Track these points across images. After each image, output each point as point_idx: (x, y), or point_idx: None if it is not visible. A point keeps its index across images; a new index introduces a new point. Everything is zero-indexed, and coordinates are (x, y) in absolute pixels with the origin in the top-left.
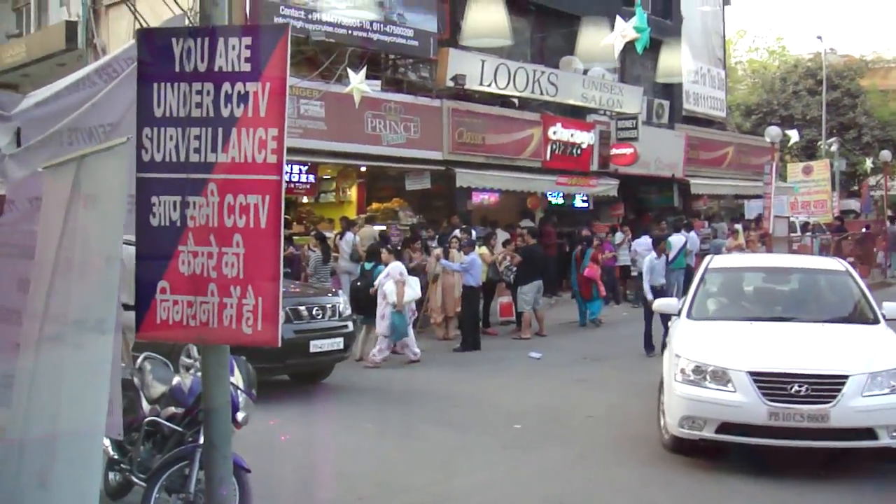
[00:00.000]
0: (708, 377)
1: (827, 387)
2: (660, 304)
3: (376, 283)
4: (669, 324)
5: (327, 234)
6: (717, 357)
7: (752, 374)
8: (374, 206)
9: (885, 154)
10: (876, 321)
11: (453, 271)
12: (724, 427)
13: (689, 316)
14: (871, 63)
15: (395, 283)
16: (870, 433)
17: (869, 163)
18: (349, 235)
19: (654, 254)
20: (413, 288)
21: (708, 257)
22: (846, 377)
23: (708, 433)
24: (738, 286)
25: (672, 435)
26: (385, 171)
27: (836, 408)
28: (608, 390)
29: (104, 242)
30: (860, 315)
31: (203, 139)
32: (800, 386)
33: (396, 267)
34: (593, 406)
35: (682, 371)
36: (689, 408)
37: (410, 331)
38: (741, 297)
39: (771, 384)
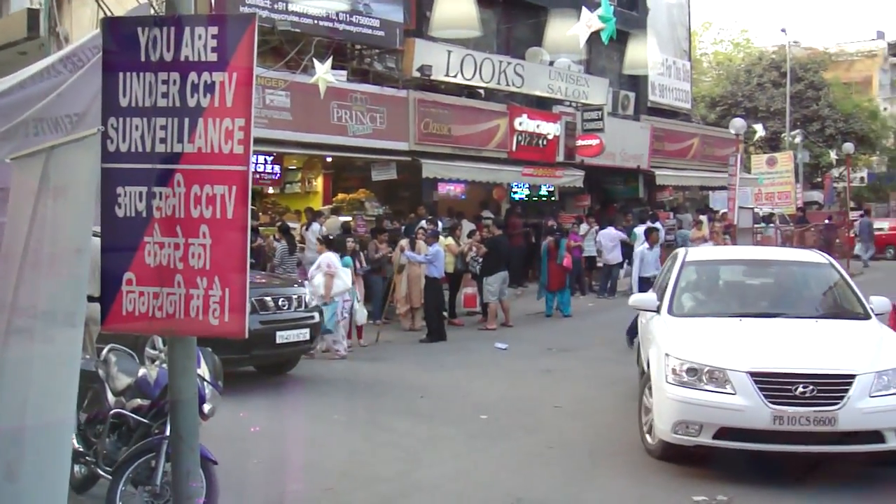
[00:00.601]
0: (704, 378)
1: (834, 387)
2: (637, 300)
3: (309, 274)
4: (642, 319)
5: (293, 225)
6: (712, 356)
7: (752, 374)
8: (340, 196)
9: (848, 146)
10: (867, 316)
11: (418, 262)
12: (723, 432)
13: (670, 312)
14: (834, 56)
15: (323, 276)
16: (877, 436)
17: (832, 155)
18: (315, 226)
19: (646, 244)
20: (343, 280)
21: (681, 250)
22: (853, 376)
23: (704, 439)
24: (717, 280)
25: (661, 441)
26: (351, 162)
27: (844, 410)
28: (575, 381)
29: (74, 234)
30: (850, 310)
31: (169, 129)
32: (805, 387)
33: (326, 258)
34: (560, 397)
35: (674, 371)
36: (683, 412)
37: (340, 327)
38: (723, 291)
39: (774, 385)
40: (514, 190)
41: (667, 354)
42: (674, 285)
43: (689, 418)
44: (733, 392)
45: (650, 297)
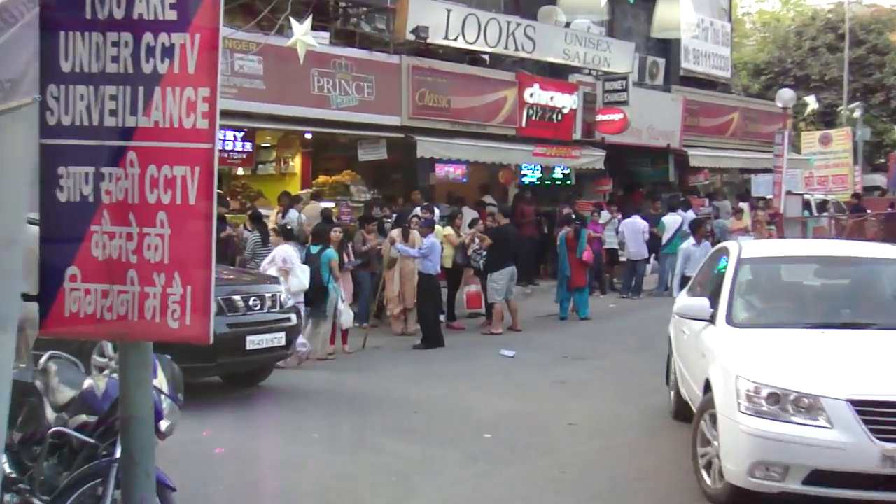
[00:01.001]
0: (789, 407)
1: None
2: (685, 307)
3: (261, 268)
4: (683, 330)
5: (266, 213)
6: (799, 379)
7: (854, 402)
8: (322, 179)
9: None
10: None
11: (411, 257)
12: (817, 476)
13: (730, 322)
14: None
15: (277, 271)
16: None
17: None
18: (292, 213)
19: (692, 240)
20: (300, 277)
21: (732, 245)
22: None
23: (793, 484)
24: (781, 282)
25: (730, 485)
26: (334, 139)
27: None
28: (593, 395)
29: (5, 223)
30: None
31: (121, 100)
32: None
33: (281, 252)
34: (576, 413)
35: (749, 398)
36: (763, 450)
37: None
38: (791, 296)
39: (882, 417)
40: (523, 173)
41: (738, 376)
42: (730, 288)
43: (772, 458)
44: (829, 425)
45: (700, 302)
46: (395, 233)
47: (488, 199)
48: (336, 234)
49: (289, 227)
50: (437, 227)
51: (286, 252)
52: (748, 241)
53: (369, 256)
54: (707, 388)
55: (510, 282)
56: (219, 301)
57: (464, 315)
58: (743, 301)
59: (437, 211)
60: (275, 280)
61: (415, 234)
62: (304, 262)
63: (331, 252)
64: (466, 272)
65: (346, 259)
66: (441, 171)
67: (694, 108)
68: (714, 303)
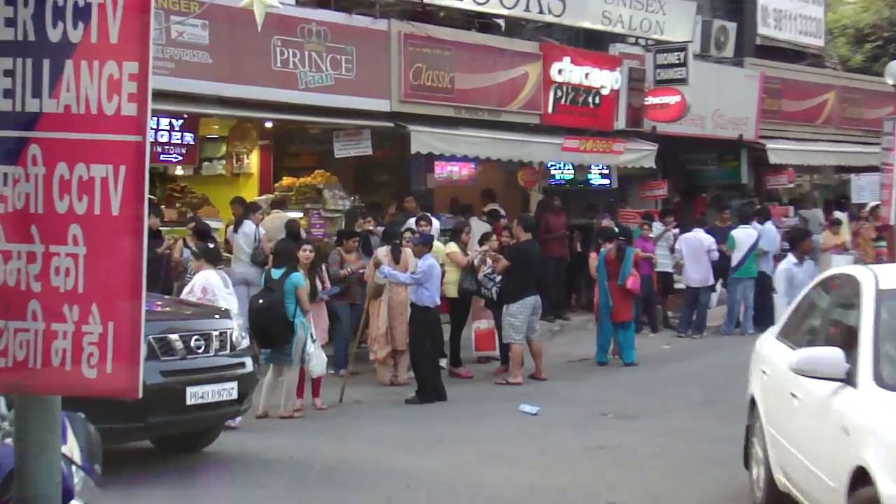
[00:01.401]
0: None
1: None
2: (807, 360)
3: (186, 293)
4: (795, 390)
5: (215, 225)
6: None
7: None
8: (286, 181)
9: None
10: None
11: (402, 284)
12: None
13: (881, 383)
14: None
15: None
16: None
17: None
18: (248, 227)
19: (791, 258)
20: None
21: (861, 272)
22: None
23: None
24: None
25: None
26: (303, 130)
27: None
28: (640, 466)
29: None
30: None
31: (19, 77)
32: None
33: (201, 280)
34: (619, 490)
35: None
36: None
37: None
38: None
39: None
40: (550, 173)
41: None
42: (873, 334)
43: None
44: None
45: (830, 355)
46: (383, 252)
47: (494, 206)
48: (305, 253)
49: (212, 247)
50: (438, 244)
51: (207, 280)
52: (844, 260)
53: (349, 283)
54: (858, 480)
55: (532, 316)
56: (150, 341)
57: (472, 359)
58: (890, 350)
59: (436, 223)
60: (225, 313)
61: (408, 253)
62: (263, 291)
63: (298, 277)
64: (475, 303)
65: (318, 286)
66: (442, 170)
67: (775, 87)
68: (849, 355)
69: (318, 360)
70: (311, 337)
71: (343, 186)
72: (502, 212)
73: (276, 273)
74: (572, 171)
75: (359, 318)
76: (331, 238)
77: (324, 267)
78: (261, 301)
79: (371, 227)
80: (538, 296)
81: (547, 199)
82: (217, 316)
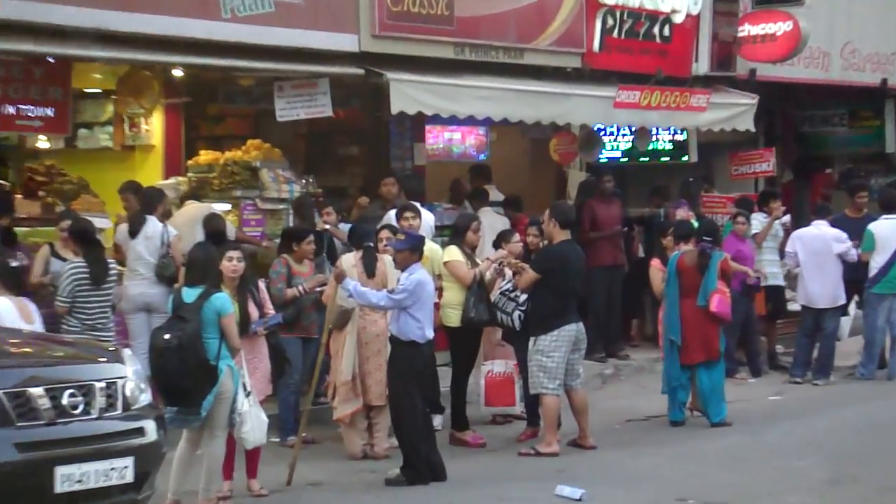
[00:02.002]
0: None
1: None
2: None
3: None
4: None
5: (99, 224)
6: None
7: None
8: (205, 157)
9: None
10: None
11: (377, 308)
12: None
13: None
14: None
15: None
16: None
17: None
18: (152, 226)
19: None
20: None
21: None
22: None
23: None
24: None
25: None
26: (229, 82)
27: None
28: None
29: None
30: None
31: None
32: None
33: None
34: None
35: None
36: None
37: None
38: None
39: None
40: (598, 140)
41: None
42: None
43: None
44: None
45: None
46: (349, 261)
47: (491, 188)
48: (232, 263)
49: (13, 265)
50: (432, 247)
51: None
52: None
53: (300, 307)
54: None
55: (573, 353)
56: (1, 399)
57: (483, 419)
58: None
59: (428, 218)
60: (115, 355)
61: (386, 262)
62: (171, 320)
63: (222, 300)
64: (488, 336)
65: (253, 313)
66: (437, 139)
67: None
68: None
69: (254, 424)
70: (244, 388)
71: (291, 164)
72: (498, 195)
73: (190, 294)
74: (630, 139)
75: (315, 360)
76: (272, 241)
77: (261, 284)
78: (167, 336)
79: (330, 224)
80: (580, 323)
81: (593, 181)
82: (103, 359)
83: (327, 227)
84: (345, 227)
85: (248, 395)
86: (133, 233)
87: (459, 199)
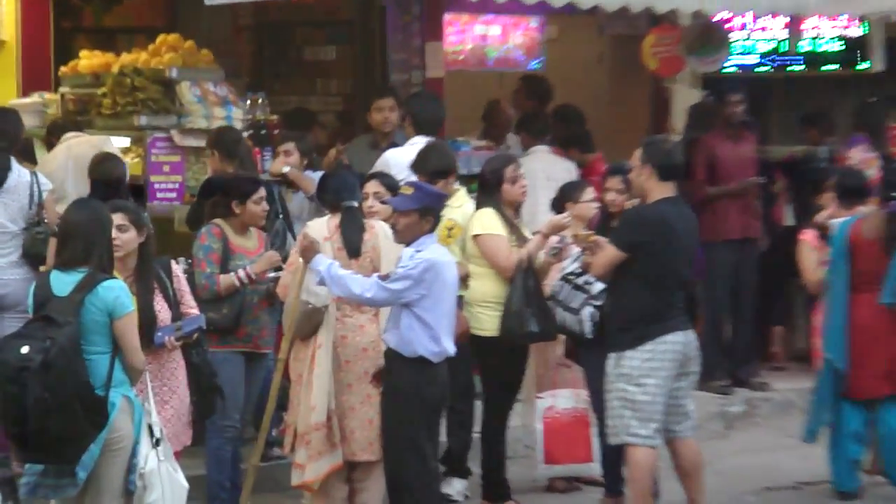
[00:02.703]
0: None
1: None
2: None
3: None
4: None
5: None
6: None
7: None
8: (87, 60)
9: None
10: None
11: (361, 303)
12: None
13: None
14: None
15: None
16: None
17: None
18: (15, 174)
19: None
20: None
21: None
22: None
23: None
24: None
25: None
26: None
27: None
28: None
29: None
30: None
31: None
32: None
33: None
34: None
35: None
36: None
37: None
38: None
39: None
40: (715, 37)
41: None
42: None
43: None
44: None
45: None
46: (319, 229)
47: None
48: (129, 234)
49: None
50: (466, 206)
51: None
52: None
53: (240, 304)
54: None
55: (679, 380)
56: None
57: (535, 485)
58: None
59: (449, 162)
60: None
61: (377, 232)
62: (33, 322)
63: (116, 290)
64: (544, 351)
65: (160, 315)
66: (462, 34)
67: None
68: None
69: (165, 491)
70: (150, 433)
71: (228, 75)
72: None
73: (64, 282)
74: (772, 37)
75: (266, 388)
76: (191, 196)
77: (177, 268)
78: (25, 350)
79: (290, 169)
80: (690, 332)
81: (712, 105)
82: None
83: (286, 170)
84: (311, 177)
85: (156, 443)
86: None
87: (499, 133)
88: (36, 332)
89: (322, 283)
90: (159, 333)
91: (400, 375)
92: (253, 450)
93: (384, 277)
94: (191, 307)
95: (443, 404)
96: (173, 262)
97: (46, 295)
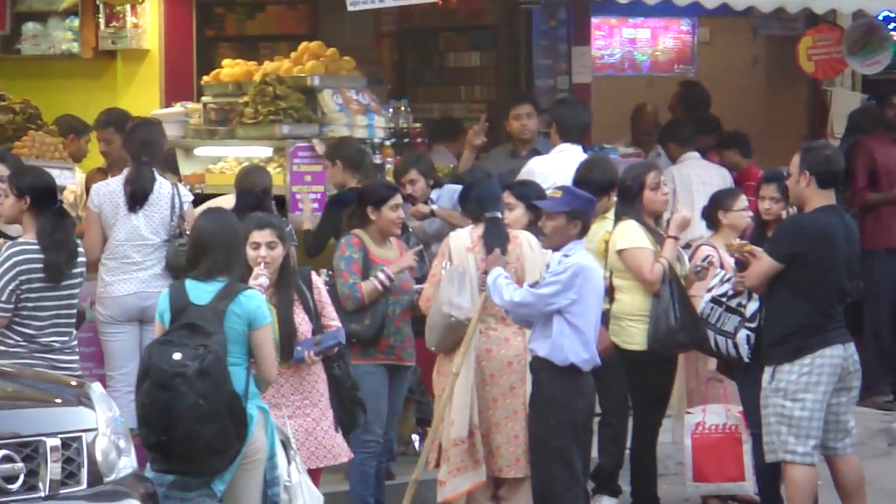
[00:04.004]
0: None
1: None
2: None
3: None
4: None
5: (61, 178)
6: None
7: None
8: (229, 70)
9: None
10: None
11: (512, 312)
12: None
13: None
14: None
15: None
16: None
17: None
18: (158, 185)
19: None
20: None
21: None
22: None
23: None
24: None
25: None
26: None
27: None
28: None
29: None
30: None
31: None
32: None
33: None
34: None
35: None
36: None
37: None
38: None
39: None
40: (877, 36)
41: None
42: None
43: None
44: None
45: None
46: (461, 240)
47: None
48: (261, 252)
49: None
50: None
51: None
52: None
53: (382, 315)
54: None
55: (838, 396)
56: None
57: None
58: None
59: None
60: (79, 395)
61: (522, 242)
62: (183, 327)
63: (257, 300)
64: (694, 364)
65: (300, 328)
66: (611, 37)
67: None
68: None
69: (307, 501)
70: (284, 447)
71: (370, 82)
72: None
73: (204, 290)
74: None
75: (410, 400)
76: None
77: (317, 280)
78: (178, 357)
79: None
80: (851, 344)
81: (874, 109)
82: (58, 400)
83: (434, 208)
84: (446, 194)
85: (291, 456)
86: (133, 197)
87: (647, 139)
88: (184, 340)
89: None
90: (298, 348)
91: (550, 385)
92: (416, 465)
93: (533, 285)
94: (332, 320)
95: (591, 416)
96: (314, 274)
97: (184, 303)
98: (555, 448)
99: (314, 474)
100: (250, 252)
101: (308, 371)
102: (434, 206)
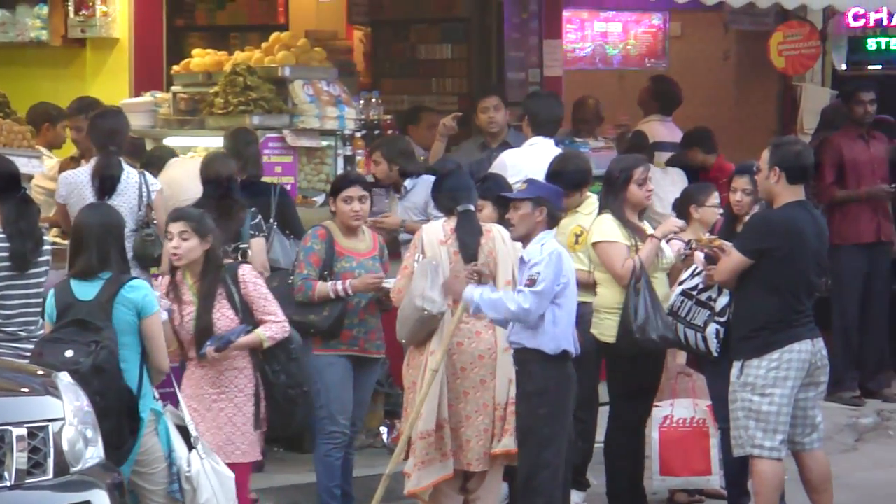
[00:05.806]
0: None
1: None
2: None
3: None
4: None
5: (28, 167)
6: None
7: None
8: (199, 59)
9: None
10: None
11: (517, 320)
12: None
13: None
14: None
15: None
16: None
17: None
18: (126, 174)
19: None
20: None
21: None
22: None
23: None
24: None
25: None
26: None
27: None
28: None
29: None
30: None
31: None
32: None
33: None
34: None
35: None
36: None
37: None
38: None
39: None
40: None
41: None
42: None
43: None
44: None
45: None
46: (434, 233)
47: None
48: (186, 243)
49: None
50: (584, 217)
51: None
52: None
53: (342, 308)
54: None
55: (806, 391)
56: None
57: (656, 498)
58: None
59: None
60: (47, 385)
61: (495, 236)
62: (72, 324)
63: (144, 290)
64: (665, 360)
65: (218, 323)
66: (581, 30)
67: None
68: None
69: (215, 486)
70: (186, 435)
71: (341, 73)
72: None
73: (86, 287)
74: None
75: (378, 392)
76: (307, 197)
77: (248, 274)
78: (70, 354)
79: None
80: (819, 340)
81: (842, 106)
82: (25, 389)
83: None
84: (421, 185)
85: (193, 442)
86: (101, 187)
87: (589, 129)
88: (74, 336)
89: (477, 310)
90: (208, 343)
91: (542, 375)
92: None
93: (530, 284)
94: (268, 314)
95: (574, 403)
96: (244, 267)
97: (70, 300)
98: (544, 436)
99: (242, 469)
100: (165, 244)
101: (227, 366)
102: (403, 218)
